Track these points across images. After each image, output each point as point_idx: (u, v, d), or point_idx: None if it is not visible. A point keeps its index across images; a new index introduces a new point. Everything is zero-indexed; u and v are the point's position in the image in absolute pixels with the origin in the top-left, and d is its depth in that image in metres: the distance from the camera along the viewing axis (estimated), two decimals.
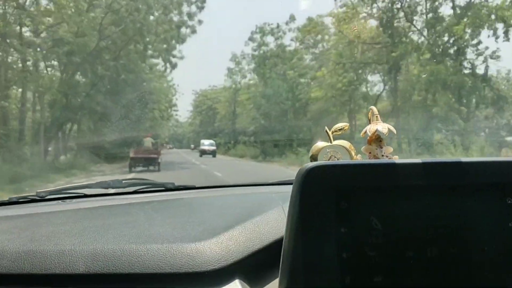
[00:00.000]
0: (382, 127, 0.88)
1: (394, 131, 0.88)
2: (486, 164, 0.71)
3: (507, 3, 13.90)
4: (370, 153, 0.89)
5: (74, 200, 1.34)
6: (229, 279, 0.72)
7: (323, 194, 0.67)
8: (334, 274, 0.65)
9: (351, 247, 0.66)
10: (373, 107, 0.91)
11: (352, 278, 0.66)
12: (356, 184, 0.68)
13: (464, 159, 0.72)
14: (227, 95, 37.27)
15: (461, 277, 0.67)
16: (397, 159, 0.85)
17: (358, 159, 0.91)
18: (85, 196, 1.38)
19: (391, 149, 0.89)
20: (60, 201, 1.35)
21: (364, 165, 0.69)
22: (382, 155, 0.88)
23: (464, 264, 0.67)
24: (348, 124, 0.94)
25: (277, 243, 0.73)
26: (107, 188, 1.45)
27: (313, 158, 0.91)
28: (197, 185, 1.39)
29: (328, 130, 0.93)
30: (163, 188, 1.41)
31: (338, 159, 0.90)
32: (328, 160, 0.90)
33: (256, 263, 0.76)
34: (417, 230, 0.68)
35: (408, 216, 0.68)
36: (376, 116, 0.90)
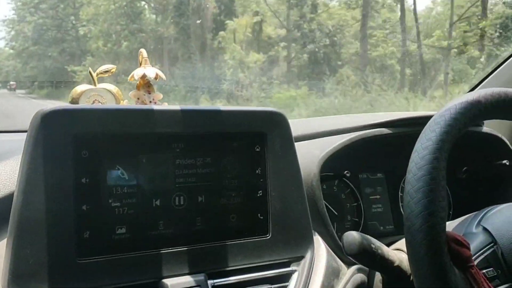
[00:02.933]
0: (151, 71, 0.83)
1: (163, 76, 0.84)
2: (239, 113, 0.71)
3: None
4: (138, 99, 0.84)
5: None
6: None
7: (60, 141, 0.59)
8: (70, 229, 0.59)
9: (92, 199, 0.61)
10: (143, 50, 0.85)
11: (92, 232, 0.61)
12: (99, 131, 0.62)
13: (221, 107, 0.71)
14: None
15: (207, 223, 0.68)
16: (164, 106, 0.81)
17: (125, 104, 0.85)
18: None
19: (160, 96, 0.85)
20: None
21: (109, 111, 0.63)
22: (150, 101, 0.84)
23: (210, 210, 0.68)
24: (115, 66, 0.87)
25: (9, 198, 0.64)
26: None
27: (74, 102, 0.82)
28: None
29: (92, 72, 0.85)
30: None
31: (103, 104, 0.83)
32: (92, 104, 0.82)
33: None
34: (166, 179, 0.66)
35: (157, 165, 0.65)
36: (145, 60, 0.84)
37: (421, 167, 0.57)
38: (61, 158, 0.59)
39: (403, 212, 1.04)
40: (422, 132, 0.61)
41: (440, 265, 0.56)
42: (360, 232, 0.67)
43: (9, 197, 0.66)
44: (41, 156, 0.58)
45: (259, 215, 0.71)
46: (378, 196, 1.03)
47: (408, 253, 0.58)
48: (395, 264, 0.71)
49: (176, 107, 0.68)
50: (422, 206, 0.56)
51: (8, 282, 0.57)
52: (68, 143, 0.60)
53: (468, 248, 0.61)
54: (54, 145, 0.59)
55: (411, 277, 0.73)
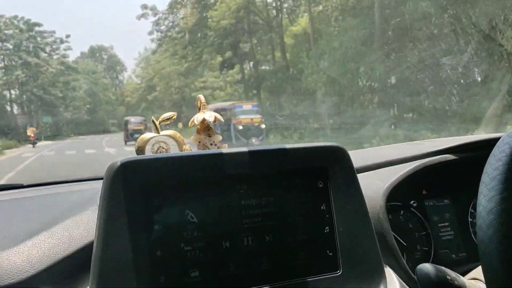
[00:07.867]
0: (209, 115, 0.86)
1: (222, 119, 0.87)
2: (300, 150, 0.72)
3: None
4: (199, 142, 0.87)
5: None
6: None
7: (132, 191, 0.62)
8: (147, 274, 0.61)
9: (165, 244, 0.63)
10: (201, 96, 0.89)
11: (167, 276, 0.62)
12: (167, 179, 0.64)
13: (282, 145, 0.73)
14: None
15: (276, 262, 0.68)
16: (224, 148, 0.84)
17: (187, 149, 0.88)
18: None
19: (220, 138, 0.87)
20: None
21: (175, 159, 0.66)
22: (211, 144, 0.86)
23: (279, 249, 0.68)
24: (175, 113, 0.90)
25: (89, 247, 0.67)
26: None
27: (140, 150, 0.86)
28: (25, 183, 1.25)
29: (155, 120, 0.89)
30: None
31: (166, 150, 0.86)
32: (156, 151, 0.86)
33: (64, 271, 0.69)
34: (234, 220, 0.67)
35: (224, 207, 0.67)
36: (204, 105, 0.88)
37: (492, 187, 0.56)
38: (133, 206, 0.62)
39: (474, 238, 1.00)
40: (491, 154, 0.59)
41: None
42: (432, 261, 0.65)
43: (91, 245, 0.69)
44: (115, 205, 0.61)
45: (327, 251, 0.71)
46: (446, 223, 0.99)
47: (486, 279, 0.56)
48: None
49: (238, 149, 0.70)
50: (494, 228, 0.54)
51: None
52: (139, 193, 0.62)
53: None
54: (126, 194, 0.62)
55: None
